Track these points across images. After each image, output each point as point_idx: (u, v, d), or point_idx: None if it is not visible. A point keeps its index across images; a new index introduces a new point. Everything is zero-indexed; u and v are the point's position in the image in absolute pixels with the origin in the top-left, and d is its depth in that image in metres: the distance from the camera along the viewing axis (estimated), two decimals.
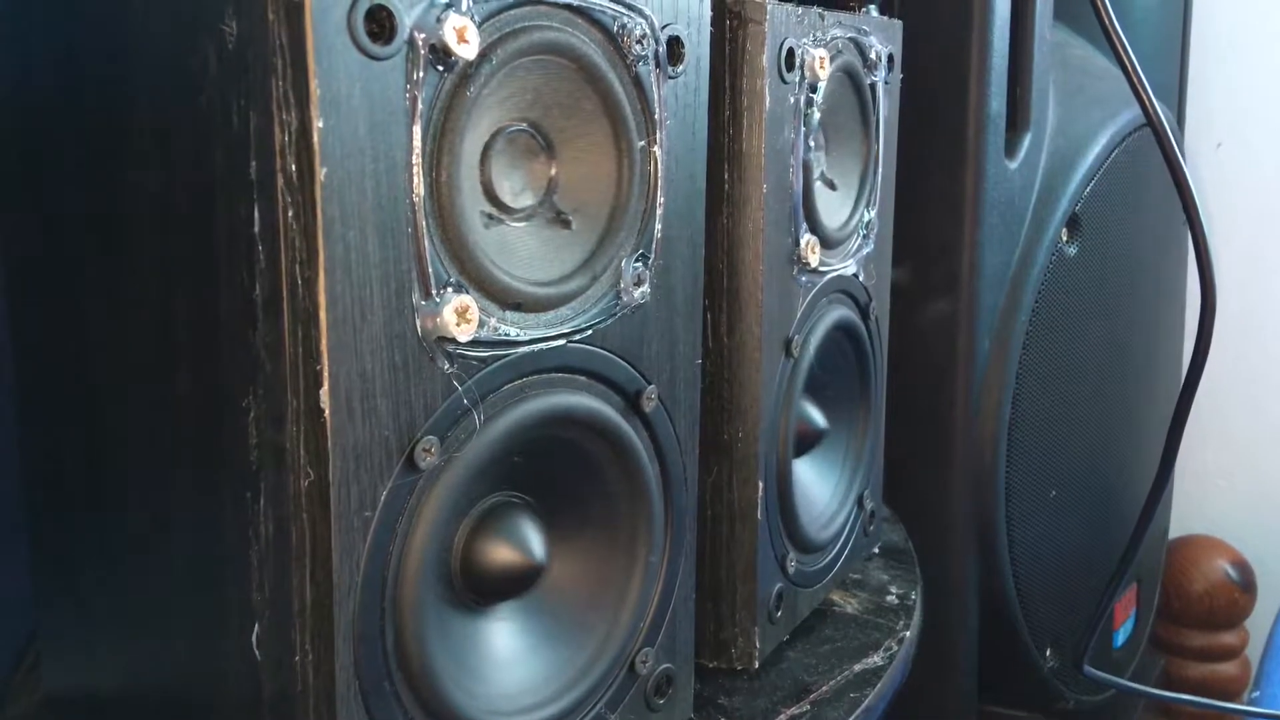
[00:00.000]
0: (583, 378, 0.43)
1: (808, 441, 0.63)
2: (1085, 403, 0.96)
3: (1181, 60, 1.20)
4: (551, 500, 0.44)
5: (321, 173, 0.33)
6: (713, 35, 0.48)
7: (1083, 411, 0.96)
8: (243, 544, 0.36)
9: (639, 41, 0.43)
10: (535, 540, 0.43)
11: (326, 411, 0.34)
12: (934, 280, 0.83)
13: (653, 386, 0.46)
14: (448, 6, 0.35)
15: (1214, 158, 1.28)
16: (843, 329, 0.63)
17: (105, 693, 0.46)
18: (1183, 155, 0.80)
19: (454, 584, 0.41)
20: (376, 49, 0.34)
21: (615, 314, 0.44)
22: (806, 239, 0.57)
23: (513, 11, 0.38)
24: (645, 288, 0.45)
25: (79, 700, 0.47)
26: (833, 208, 0.61)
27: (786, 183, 0.55)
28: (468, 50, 0.36)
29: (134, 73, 0.38)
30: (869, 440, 0.68)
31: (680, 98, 0.46)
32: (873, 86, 0.63)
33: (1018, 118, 0.86)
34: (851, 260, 0.63)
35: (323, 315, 0.34)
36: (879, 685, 0.57)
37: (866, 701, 0.55)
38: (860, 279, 0.65)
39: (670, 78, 0.45)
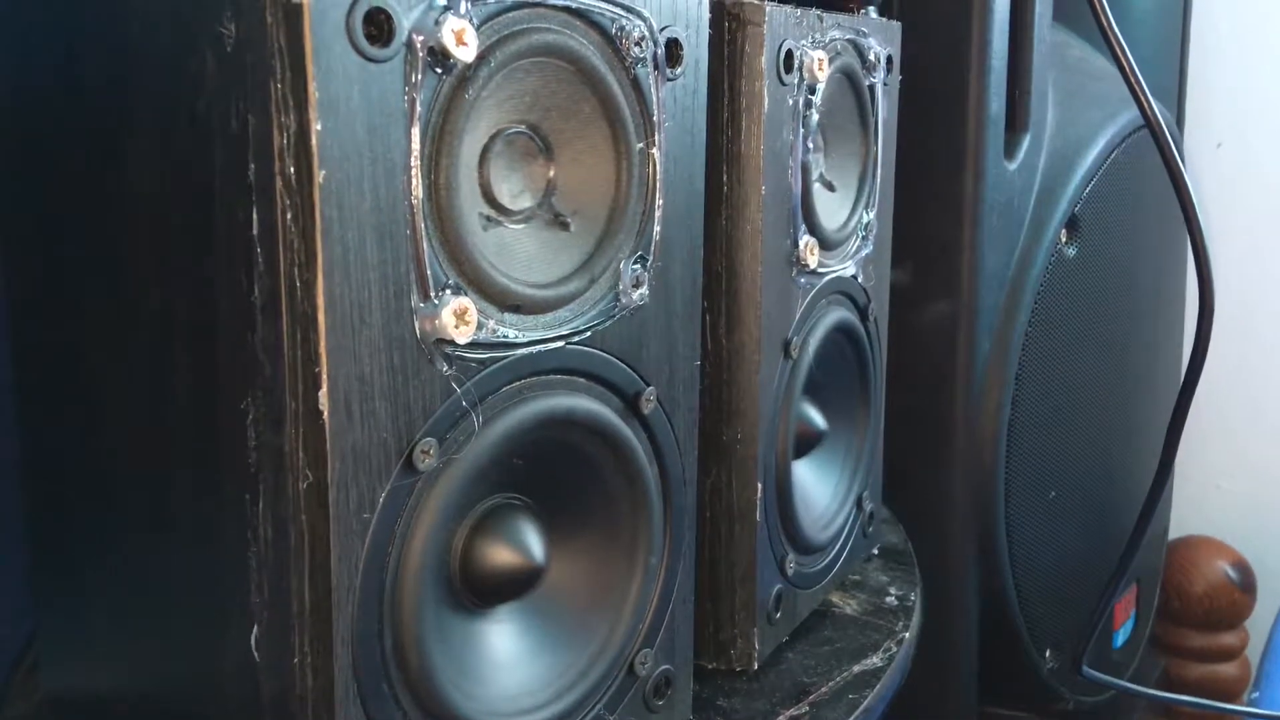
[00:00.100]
0: (581, 379, 0.43)
1: (807, 443, 0.63)
2: (1085, 404, 0.96)
3: (1181, 61, 1.20)
4: (550, 502, 0.44)
5: (320, 175, 0.33)
6: (711, 37, 0.48)
7: (1082, 412, 0.96)
8: (241, 546, 0.36)
9: (637, 44, 0.43)
10: (534, 542, 0.43)
11: (325, 414, 0.34)
12: (933, 281, 0.83)
13: (651, 388, 0.46)
14: (446, 9, 0.35)
15: (1213, 158, 1.28)
16: (842, 330, 0.63)
17: (105, 694, 0.46)
18: (1182, 156, 0.81)
19: (453, 586, 0.41)
20: (375, 51, 0.34)
21: (614, 316, 0.44)
22: (805, 240, 0.57)
23: (511, 14, 0.38)
24: (644, 289, 0.45)
25: (79, 701, 0.47)
26: (831, 209, 0.61)
27: (785, 184, 0.55)
28: (466, 53, 0.36)
29: (133, 75, 0.38)
30: (868, 441, 0.68)
31: (679, 100, 0.46)
32: (871, 88, 0.63)
33: (1017, 119, 0.86)
34: (850, 262, 0.63)
35: (321, 317, 0.34)
36: (878, 686, 0.57)
37: (866, 703, 0.55)
38: (859, 280, 0.65)
39: (669, 80, 0.45)
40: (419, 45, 0.35)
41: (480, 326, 0.38)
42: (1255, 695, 0.89)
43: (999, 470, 0.86)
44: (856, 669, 0.58)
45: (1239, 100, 1.26)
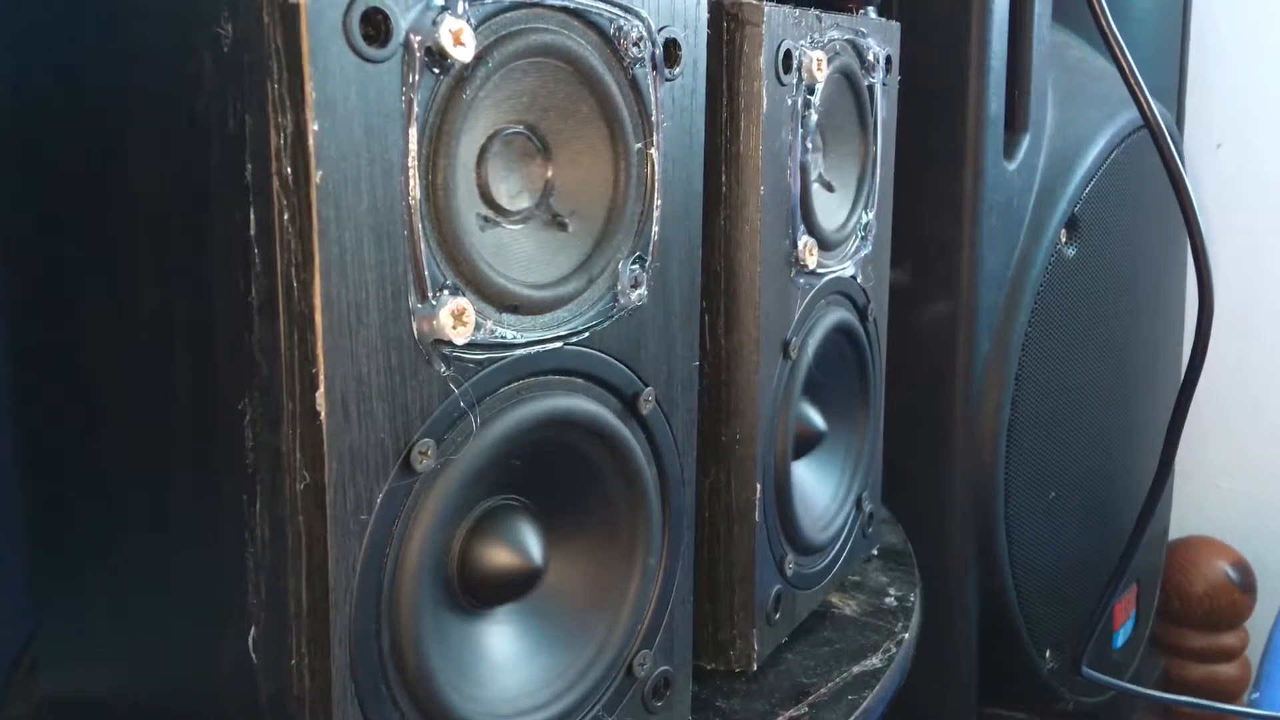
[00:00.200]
0: (580, 380, 0.43)
1: (806, 443, 0.63)
2: (1085, 404, 0.96)
3: (1181, 60, 1.20)
4: (549, 503, 0.44)
5: (317, 175, 0.33)
6: (710, 37, 0.48)
7: (1082, 413, 0.96)
8: (239, 547, 0.36)
9: (635, 44, 0.43)
10: (533, 543, 0.43)
11: (322, 414, 0.34)
12: (933, 281, 0.83)
13: (650, 389, 0.46)
14: (443, 9, 0.35)
15: (1213, 158, 1.27)
16: (841, 331, 0.63)
17: (104, 694, 0.46)
18: (1182, 156, 0.80)
19: (451, 587, 0.41)
20: (372, 52, 0.34)
21: (612, 316, 0.44)
22: (804, 241, 0.57)
23: (509, 14, 0.38)
24: (642, 290, 0.45)
25: (78, 702, 0.47)
26: (830, 209, 0.61)
27: (784, 185, 0.55)
28: (464, 53, 0.36)
29: (132, 75, 0.38)
30: (868, 442, 0.68)
31: (677, 100, 0.46)
32: (870, 88, 0.63)
33: (1016, 119, 0.86)
34: (849, 262, 0.63)
35: (318, 318, 0.34)
36: (877, 687, 0.57)
37: (865, 703, 0.55)
38: (858, 280, 0.65)
39: (667, 80, 0.45)
40: (416, 45, 0.35)
41: (478, 327, 0.38)
42: (1255, 696, 0.89)
43: (998, 470, 0.86)
44: (856, 670, 0.58)
45: (1239, 100, 1.26)
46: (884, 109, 0.65)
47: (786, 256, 0.56)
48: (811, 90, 0.56)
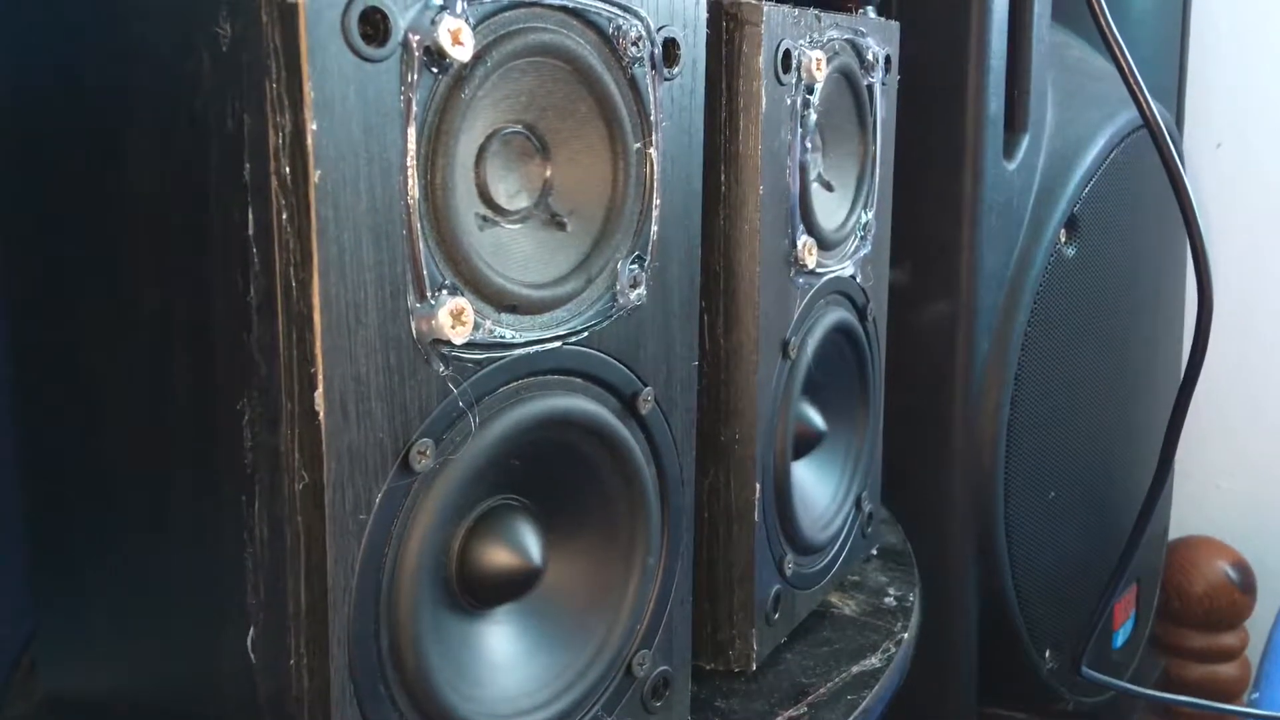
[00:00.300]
0: (579, 380, 0.43)
1: (806, 443, 0.63)
2: (1084, 404, 0.96)
3: (1180, 60, 1.20)
4: (548, 503, 0.44)
5: (315, 175, 0.33)
6: (709, 37, 0.48)
7: (1082, 412, 0.96)
8: (237, 547, 0.36)
9: (634, 43, 0.43)
10: (532, 543, 0.43)
11: (321, 414, 0.34)
12: (932, 281, 0.83)
13: (649, 388, 0.46)
14: (442, 9, 0.35)
15: (1213, 158, 1.27)
16: (840, 330, 0.63)
17: (104, 694, 0.46)
18: (1181, 156, 0.80)
19: (451, 587, 0.41)
20: (371, 51, 0.34)
21: (611, 316, 0.44)
22: (803, 240, 0.57)
23: (508, 14, 0.38)
24: (641, 290, 0.45)
25: (78, 702, 0.47)
26: (830, 209, 0.61)
27: (783, 184, 0.55)
28: (462, 52, 0.36)
29: (130, 75, 0.38)
30: (867, 442, 0.68)
31: (676, 100, 0.46)
32: (870, 88, 0.63)
33: (1016, 119, 0.86)
34: (849, 262, 0.63)
35: (317, 318, 0.34)
36: (876, 687, 0.57)
37: (864, 703, 0.55)
38: (858, 280, 0.65)
39: (666, 79, 0.45)
40: (415, 45, 0.35)
41: (477, 327, 0.38)
42: (1255, 696, 0.89)
43: (998, 470, 0.86)
44: (855, 670, 0.58)
45: (1239, 99, 1.26)
46: (883, 108, 0.65)
47: (786, 256, 0.56)
48: (811, 90, 0.56)
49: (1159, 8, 1.13)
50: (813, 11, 0.56)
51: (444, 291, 0.37)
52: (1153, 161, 0.80)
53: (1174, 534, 1.28)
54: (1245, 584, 1.24)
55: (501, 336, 0.39)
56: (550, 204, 0.42)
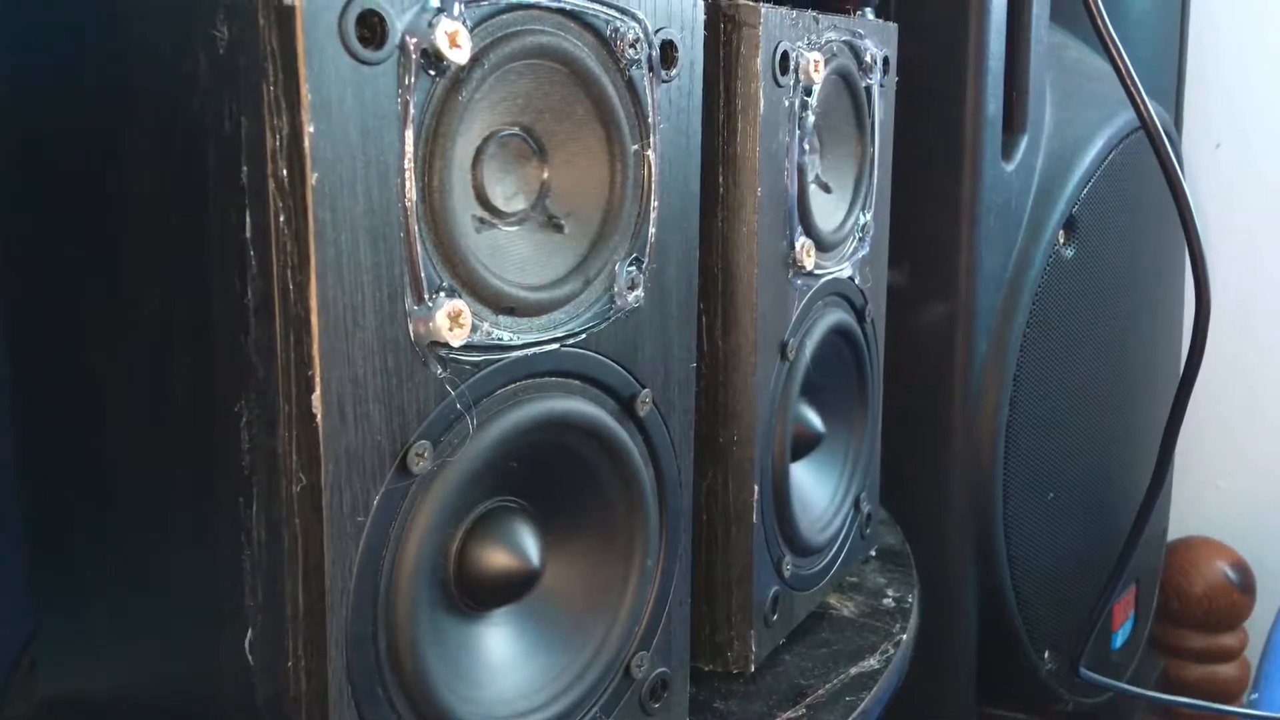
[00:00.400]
0: (576, 382, 0.43)
1: (804, 444, 0.63)
2: (1083, 405, 0.96)
3: (1179, 60, 1.20)
4: (547, 505, 0.44)
5: (313, 177, 0.33)
6: (706, 39, 0.48)
7: (1081, 413, 0.96)
8: (235, 548, 0.36)
9: (632, 45, 0.43)
10: (531, 545, 0.43)
11: (318, 416, 0.34)
12: (931, 283, 0.83)
13: (647, 390, 0.46)
14: (439, 11, 0.35)
15: (1212, 159, 1.27)
16: (839, 332, 0.63)
17: (104, 694, 0.46)
18: (1180, 157, 0.80)
19: (449, 589, 0.41)
20: (368, 54, 0.34)
21: (609, 318, 0.44)
22: (801, 242, 0.57)
23: (505, 16, 0.38)
24: (639, 291, 0.45)
25: (78, 702, 0.47)
26: (828, 211, 0.61)
27: (781, 186, 0.55)
28: (460, 55, 0.36)
29: (130, 75, 0.38)
30: (866, 443, 0.68)
31: (674, 101, 0.46)
32: (868, 89, 0.63)
33: (1014, 120, 0.86)
34: (847, 263, 0.63)
35: (314, 320, 0.34)
36: (875, 688, 0.57)
37: (863, 705, 0.55)
38: (856, 282, 0.65)
39: (664, 81, 0.45)
40: (412, 47, 0.35)
41: (474, 329, 0.38)
42: (1254, 696, 0.89)
43: (997, 471, 0.86)
44: (854, 671, 0.58)
45: (1238, 100, 1.26)
46: (881, 110, 0.65)
47: (784, 258, 0.56)
48: (809, 91, 0.56)
49: (1158, 8, 1.13)
50: (811, 13, 0.56)
51: (441, 294, 0.37)
52: (1151, 162, 0.80)
53: (1173, 534, 1.28)
54: (1244, 584, 1.24)
55: (499, 339, 0.40)
56: (548, 206, 0.42)
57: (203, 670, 0.40)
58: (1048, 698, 0.98)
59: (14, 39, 0.43)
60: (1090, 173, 0.90)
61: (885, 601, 0.67)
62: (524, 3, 0.39)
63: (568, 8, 0.40)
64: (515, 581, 0.43)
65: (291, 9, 0.32)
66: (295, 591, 0.35)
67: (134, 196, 0.39)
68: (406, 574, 0.37)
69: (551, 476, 0.44)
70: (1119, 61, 0.75)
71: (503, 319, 0.40)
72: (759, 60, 0.52)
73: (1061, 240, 0.89)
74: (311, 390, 0.34)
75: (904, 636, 0.62)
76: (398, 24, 0.34)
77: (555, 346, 0.42)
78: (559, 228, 0.43)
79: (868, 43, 0.63)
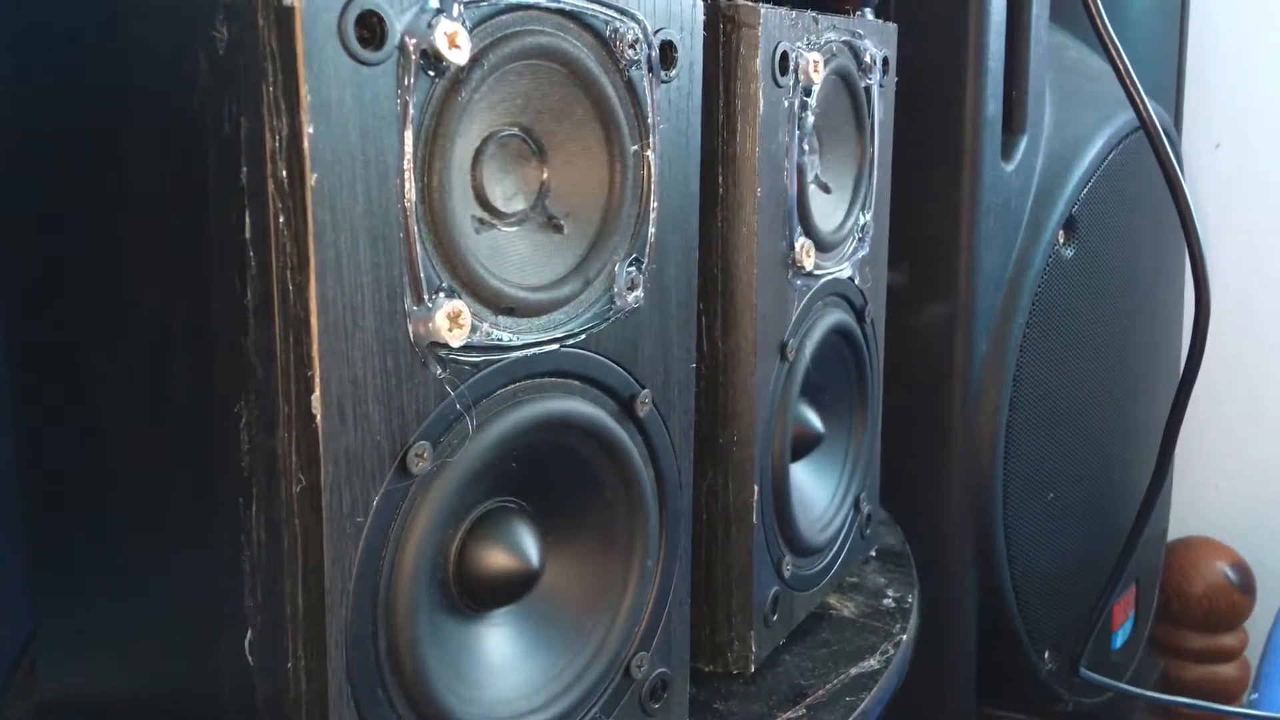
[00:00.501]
0: (576, 382, 0.43)
1: (804, 445, 0.63)
2: (1083, 405, 0.96)
3: (1179, 60, 1.20)
4: (546, 505, 0.44)
5: (312, 178, 0.33)
6: (706, 39, 0.48)
7: (1081, 414, 0.96)
8: (235, 549, 0.36)
9: (631, 46, 0.43)
10: (531, 546, 0.43)
11: (318, 417, 0.34)
12: (930, 283, 0.83)
13: (647, 391, 0.46)
14: (439, 12, 0.35)
15: (1212, 159, 1.27)
16: (838, 332, 0.63)
17: (104, 695, 0.46)
18: (1179, 157, 0.80)
19: (448, 589, 0.41)
20: (367, 55, 0.34)
21: (609, 318, 0.44)
22: (801, 242, 0.57)
23: (504, 16, 0.38)
24: (639, 292, 0.45)
25: (78, 702, 0.47)
26: (827, 211, 0.61)
27: (781, 186, 0.55)
28: (459, 56, 0.36)
29: (130, 75, 0.38)
30: (866, 443, 0.68)
31: (673, 102, 0.46)
32: (867, 90, 0.63)
33: (1014, 120, 0.86)
34: (847, 263, 0.63)
35: (314, 320, 0.34)
36: (875, 689, 0.57)
37: (863, 705, 0.55)
38: (856, 282, 0.65)
39: (663, 82, 0.45)
40: (411, 48, 0.35)
41: (474, 329, 0.38)
42: (1254, 697, 0.89)
43: (997, 471, 0.86)
44: (854, 671, 0.58)
45: (1237, 100, 1.26)
46: (881, 110, 0.65)
47: (783, 258, 0.56)
48: (808, 92, 0.56)
49: (1157, 8, 1.13)
50: (810, 13, 0.56)
51: (441, 294, 0.37)
52: (1151, 162, 0.80)
53: (1173, 535, 1.28)
54: (1244, 585, 1.24)
55: (499, 339, 0.40)
56: (547, 206, 0.42)
57: (203, 670, 0.40)
58: (1048, 698, 0.98)
59: (14, 39, 0.43)
60: (1090, 173, 0.90)
61: (885, 602, 0.67)
62: (523, 3, 0.39)
63: (567, 8, 0.40)
64: (515, 582, 0.43)
65: (291, 9, 0.32)
66: (295, 592, 0.35)
67: (134, 197, 0.39)
68: (406, 574, 0.37)
69: (551, 477, 0.44)
70: (1118, 61, 0.75)
71: (502, 319, 0.40)
72: (758, 61, 0.52)
73: (1061, 240, 0.89)
74: (311, 391, 0.34)
75: (904, 637, 0.62)
76: (397, 25, 0.34)
77: (555, 347, 0.42)
78: (558, 228, 0.43)
79: (867, 43, 0.63)
